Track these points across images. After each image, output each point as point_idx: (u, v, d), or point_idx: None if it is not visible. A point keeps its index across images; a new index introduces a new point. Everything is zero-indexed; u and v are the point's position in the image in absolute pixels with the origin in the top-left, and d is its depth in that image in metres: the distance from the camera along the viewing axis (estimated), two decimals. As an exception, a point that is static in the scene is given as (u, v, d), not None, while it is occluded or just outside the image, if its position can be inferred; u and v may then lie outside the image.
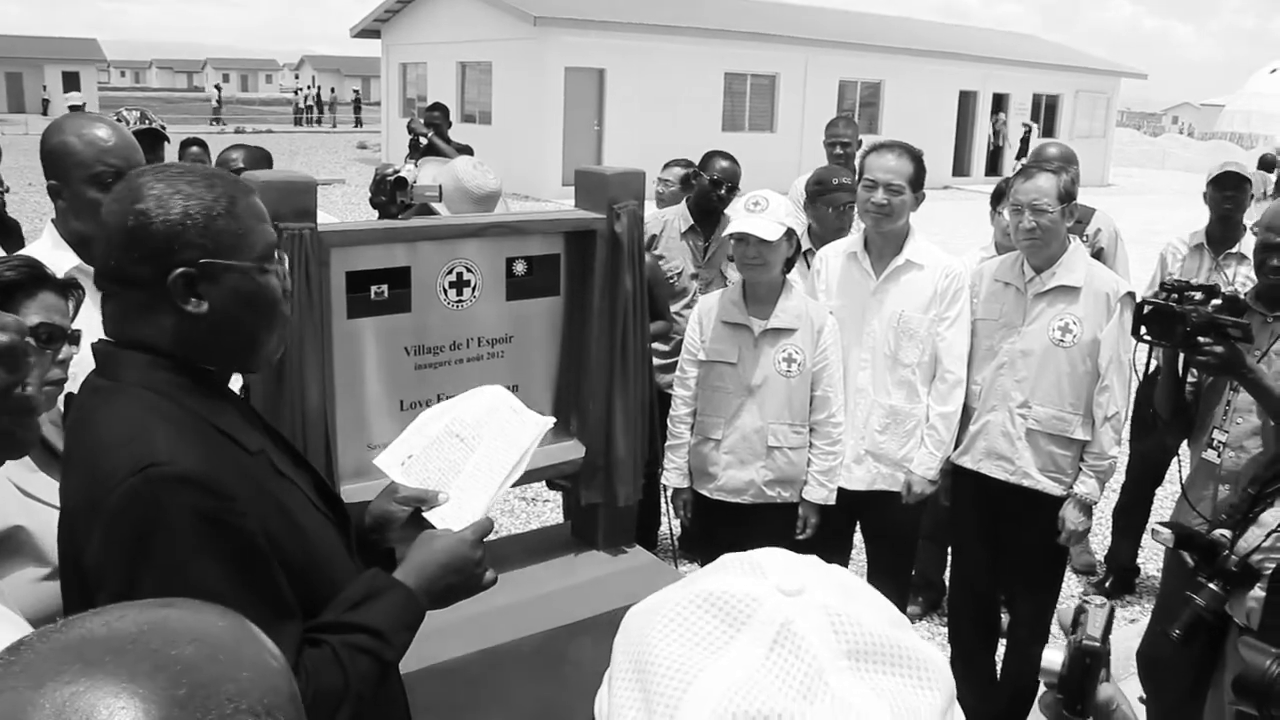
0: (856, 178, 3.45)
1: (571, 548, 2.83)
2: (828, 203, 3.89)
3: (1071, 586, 4.45)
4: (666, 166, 4.63)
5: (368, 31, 25.55)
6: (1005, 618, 3.56)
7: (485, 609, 2.13)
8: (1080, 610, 1.20)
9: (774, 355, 3.02)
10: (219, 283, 1.31)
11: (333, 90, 49.12)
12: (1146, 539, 4.42)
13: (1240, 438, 2.80)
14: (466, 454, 1.70)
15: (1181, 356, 2.76)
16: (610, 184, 2.60)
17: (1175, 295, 2.66)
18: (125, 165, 2.30)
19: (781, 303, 3.04)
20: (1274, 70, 44.33)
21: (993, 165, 26.18)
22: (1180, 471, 3.09)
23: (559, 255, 2.64)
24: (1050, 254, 3.06)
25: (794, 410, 3.05)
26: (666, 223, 4.16)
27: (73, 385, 1.53)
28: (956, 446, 3.24)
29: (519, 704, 2.35)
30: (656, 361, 3.49)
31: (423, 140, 6.76)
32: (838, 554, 3.35)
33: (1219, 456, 2.83)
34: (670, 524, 3.61)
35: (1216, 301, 2.62)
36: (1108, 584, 4.53)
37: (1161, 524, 2.23)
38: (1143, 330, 2.70)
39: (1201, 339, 2.57)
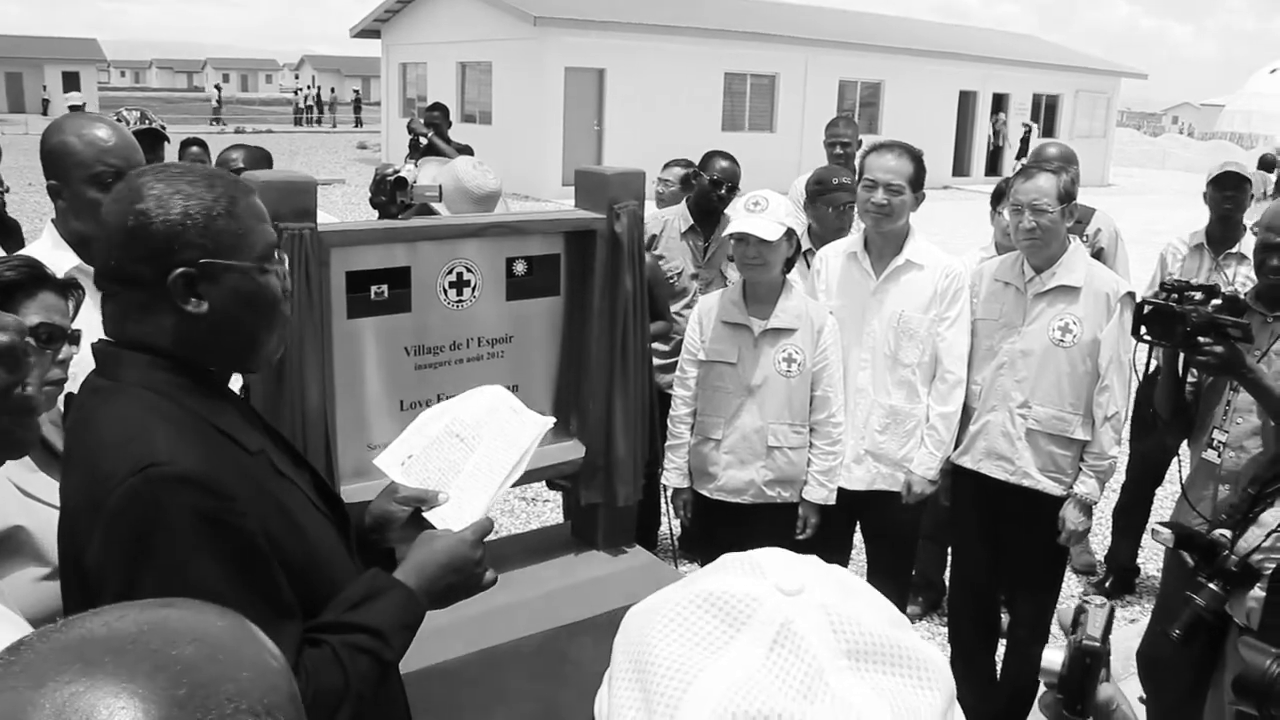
0: (856, 178, 3.45)
1: (571, 548, 2.83)
2: (828, 202, 3.89)
3: (1071, 586, 4.45)
4: (666, 166, 4.63)
5: (368, 31, 25.55)
6: (1005, 618, 3.56)
7: (485, 609, 2.13)
8: (1080, 610, 1.20)
9: (774, 355, 3.02)
10: (219, 283, 1.31)
11: (333, 90, 49.12)
12: (1146, 539, 4.42)
13: (1240, 438, 2.80)
14: (466, 454, 1.70)
15: (1181, 356, 2.76)
16: (610, 184, 2.60)
17: (1175, 295, 2.66)
18: (125, 165, 2.30)
19: (781, 303, 3.04)
20: (1274, 70, 44.33)
21: (993, 165, 26.18)
22: (1180, 471, 3.09)
23: (559, 255, 2.64)
24: (1050, 254, 3.06)
25: (794, 410, 3.05)
26: (667, 223, 4.16)
27: (73, 385, 1.53)
28: (956, 446, 3.24)
29: (519, 704, 2.35)
30: (656, 361, 3.49)
31: (423, 140, 6.76)
32: (838, 554, 3.35)
33: (1219, 456, 2.83)
34: (670, 524, 3.61)
35: (1216, 301, 2.62)
36: (1108, 584, 4.53)
37: (1161, 524, 2.23)
38: (1143, 330, 2.70)
39: (1201, 339, 2.57)
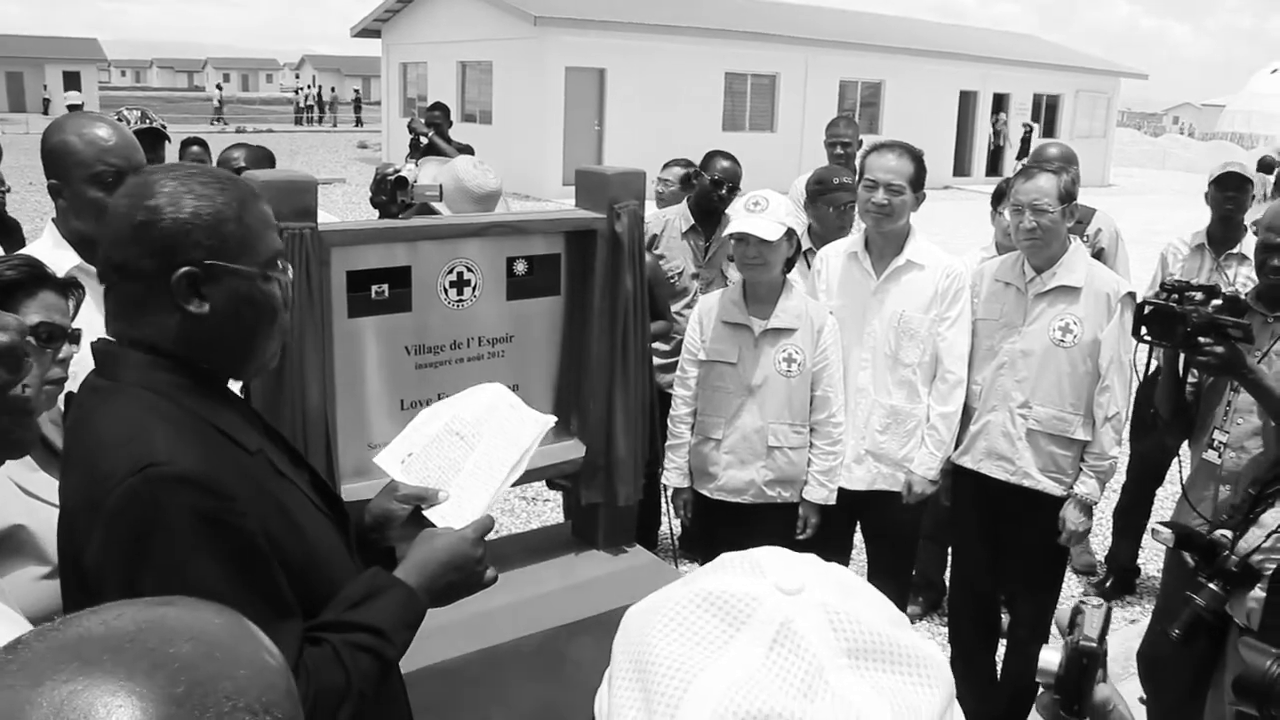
0: (857, 178, 3.45)
1: (572, 547, 2.83)
2: (828, 202, 3.89)
3: (1072, 587, 4.44)
4: (666, 166, 4.63)
5: (368, 31, 25.55)
6: (1005, 618, 3.56)
7: (486, 608, 2.14)
8: (1077, 611, 1.20)
9: (774, 355, 3.02)
10: (222, 285, 1.31)
11: (333, 90, 49.10)
12: (1147, 539, 4.42)
13: (1241, 438, 2.80)
14: (466, 452, 1.70)
15: (1182, 357, 2.76)
16: (611, 184, 2.60)
17: (1176, 295, 2.66)
18: (126, 165, 2.31)
19: (782, 302, 3.04)
20: (1275, 70, 44.28)
21: (993, 165, 26.17)
22: (1181, 472, 3.09)
23: (559, 255, 2.64)
24: (1051, 254, 3.06)
25: (794, 410, 3.05)
26: (667, 222, 4.16)
27: (73, 384, 1.52)
28: (957, 446, 3.24)
29: (519, 703, 2.35)
30: (657, 361, 3.49)
31: (423, 140, 6.76)
32: (838, 554, 3.35)
33: (1219, 457, 2.83)
34: (670, 524, 3.61)
35: (1217, 302, 2.61)
36: (1108, 584, 4.53)
37: (1162, 524, 2.22)
38: (1143, 330, 2.69)
39: (1202, 339, 2.57)
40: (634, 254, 2.62)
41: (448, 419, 1.74)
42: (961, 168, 25.97)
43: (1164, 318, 2.64)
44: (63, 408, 1.86)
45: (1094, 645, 1.15)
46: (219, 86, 46.00)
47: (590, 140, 20.29)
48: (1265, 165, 8.26)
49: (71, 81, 40.79)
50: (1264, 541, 2.19)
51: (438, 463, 1.69)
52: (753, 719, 0.59)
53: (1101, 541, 4.84)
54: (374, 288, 2.34)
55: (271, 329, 1.39)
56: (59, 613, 1.43)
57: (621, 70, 20.32)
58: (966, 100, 25.85)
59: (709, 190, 4.08)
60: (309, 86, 47.11)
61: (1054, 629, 1.24)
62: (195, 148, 4.69)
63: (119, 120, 3.42)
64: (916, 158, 3.17)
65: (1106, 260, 3.97)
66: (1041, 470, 3.10)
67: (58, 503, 1.37)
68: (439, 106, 7.49)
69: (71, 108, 18.09)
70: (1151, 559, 4.67)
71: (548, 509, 5.14)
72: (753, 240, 2.91)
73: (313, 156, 24.80)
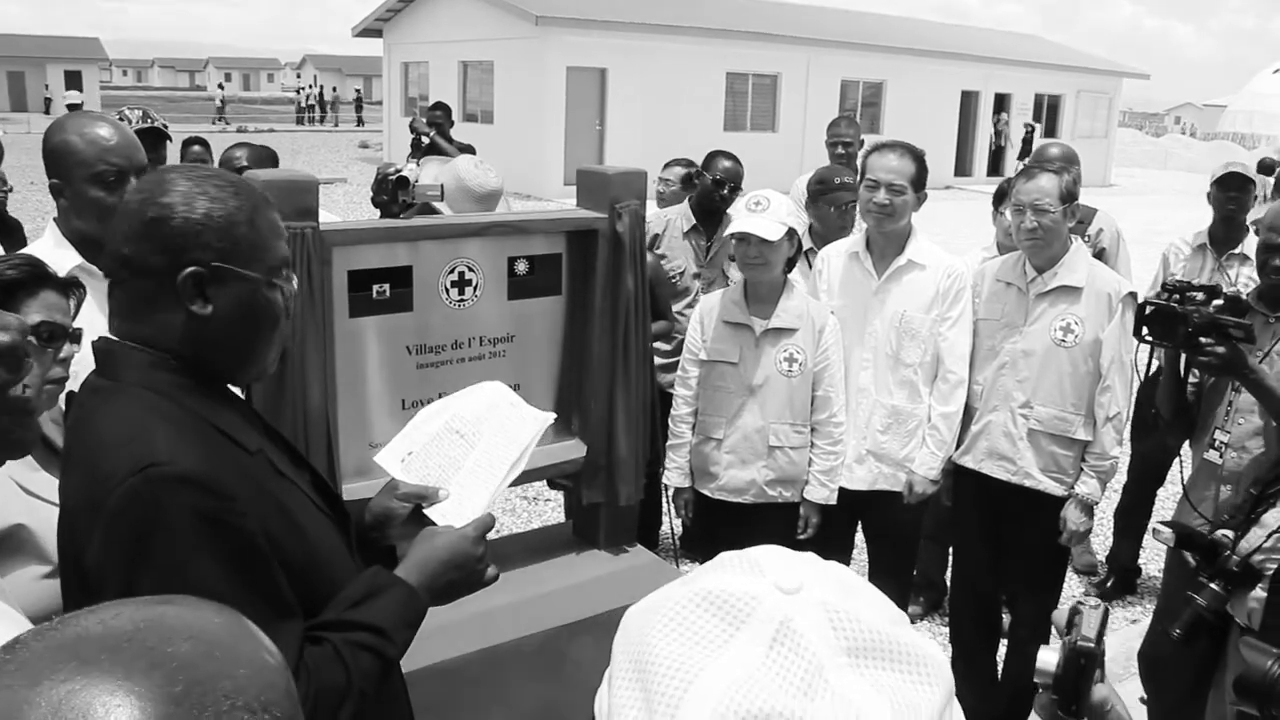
0: (858, 177, 3.44)
1: (573, 547, 2.83)
2: (830, 202, 3.89)
3: (1073, 587, 4.44)
4: (667, 166, 4.63)
5: (369, 31, 25.56)
6: (1006, 618, 3.56)
7: (486, 608, 2.14)
8: (1075, 611, 1.20)
9: (775, 355, 3.02)
10: (227, 288, 1.31)
11: (335, 89, 49.10)
12: (1148, 539, 4.42)
13: (1242, 438, 2.80)
14: (467, 450, 1.70)
15: (1183, 357, 2.76)
16: (612, 183, 2.60)
17: (1177, 296, 2.65)
18: (127, 164, 2.30)
19: (783, 302, 3.04)
20: (1277, 70, 44.23)
21: (994, 165, 26.16)
22: (1182, 472, 3.08)
23: (561, 255, 2.64)
24: (1052, 254, 3.06)
25: (795, 410, 3.05)
26: (669, 222, 4.16)
27: (74, 384, 1.53)
28: (958, 446, 3.24)
29: (519, 703, 2.35)
30: (658, 361, 3.49)
31: (424, 139, 6.77)
32: (839, 554, 3.35)
33: (1221, 457, 2.82)
34: (671, 523, 3.61)
35: (1218, 302, 2.61)
36: (1109, 584, 4.53)
37: (1163, 524, 2.22)
38: (1144, 331, 2.69)
39: (1203, 339, 2.56)
40: (635, 254, 2.62)
41: (448, 417, 1.74)
42: (963, 168, 25.97)
43: (1165, 318, 2.64)
44: (64, 407, 1.86)
45: (1092, 645, 1.15)
46: (220, 86, 46.06)
47: (591, 140, 20.29)
48: (1265, 167, 8.24)
49: (73, 81, 40.84)
50: (1265, 541, 2.19)
51: (438, 461, 1.69)
52: (753, 718, 0.58)
53: (1102, 541, 4.84)
54: (375, 287, 2.34)
55: (272, 336, 1.40)
56: (59, 612, 1.43)
57: (623, 70, 20.32)
58: (968, 100, 25.85)
59: (710, 190, 4.08)
60: (310, 86, 47.14)
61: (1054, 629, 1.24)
62: (196, 147, 4.68)
63: (120, 120, 3.42)
64: (918, 158, 3.17)
65: (1108, 260, 3.97)
66: (1043, 470, 3.10)
67: (58, 502, 1.37)
68: (440, 106, 7.49)
69: (72, 107, 18.11)
70: (1152, 559, 4.66)
71: (549, 508, 5.14)
72: (754, 240, 2.91)
73: (314, 156, 24.82)
